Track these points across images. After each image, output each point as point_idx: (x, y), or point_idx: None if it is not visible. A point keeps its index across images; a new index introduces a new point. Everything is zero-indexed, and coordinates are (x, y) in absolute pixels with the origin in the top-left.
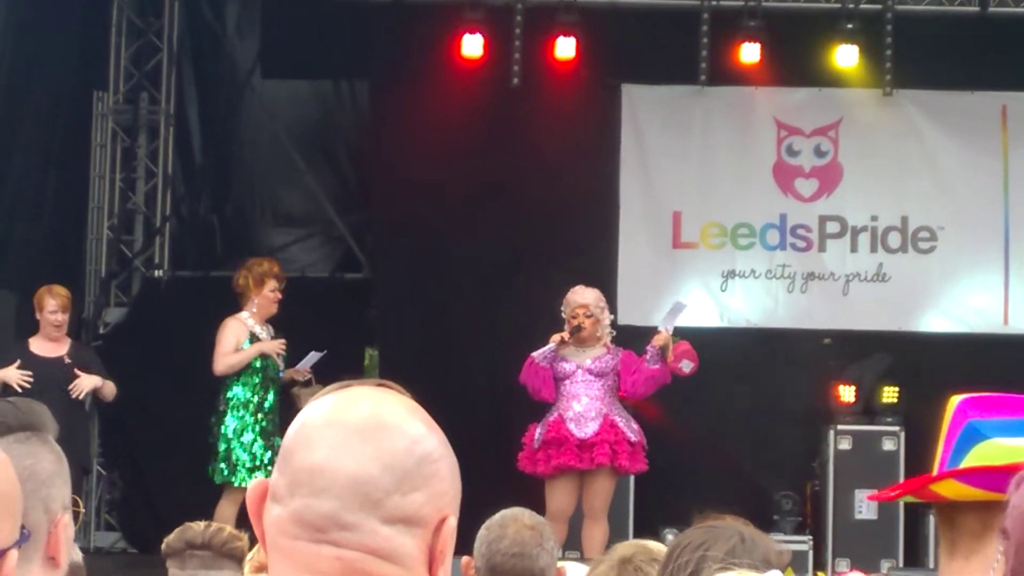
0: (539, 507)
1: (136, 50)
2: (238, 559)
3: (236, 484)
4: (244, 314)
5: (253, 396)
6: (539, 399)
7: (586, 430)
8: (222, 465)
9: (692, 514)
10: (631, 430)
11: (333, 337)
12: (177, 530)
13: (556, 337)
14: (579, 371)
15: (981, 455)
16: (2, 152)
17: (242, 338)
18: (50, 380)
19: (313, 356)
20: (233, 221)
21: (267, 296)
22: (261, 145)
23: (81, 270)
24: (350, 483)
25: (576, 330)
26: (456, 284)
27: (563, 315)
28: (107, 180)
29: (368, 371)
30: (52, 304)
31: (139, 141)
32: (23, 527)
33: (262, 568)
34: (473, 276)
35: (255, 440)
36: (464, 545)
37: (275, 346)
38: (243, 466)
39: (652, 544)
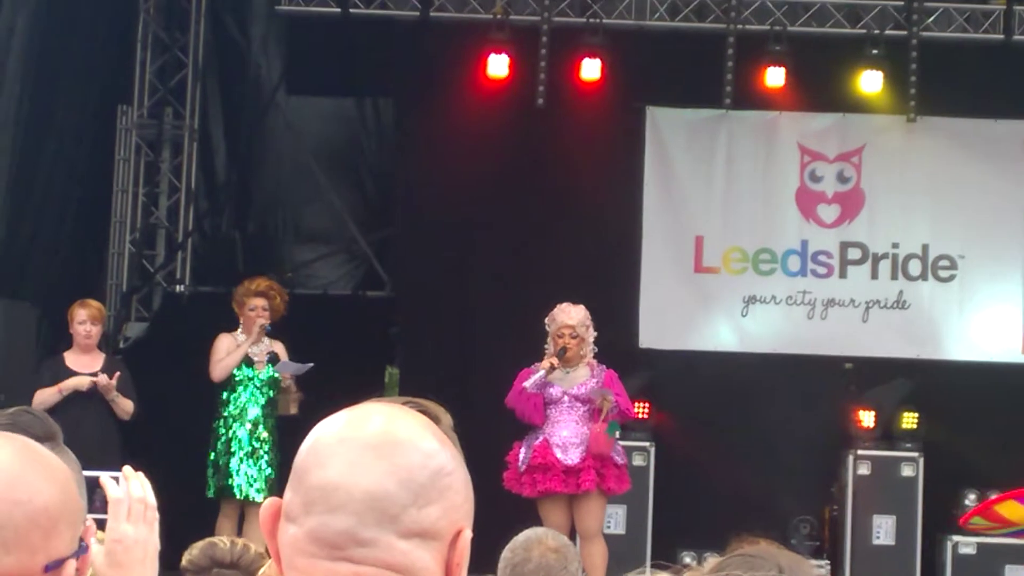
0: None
1: (161, 65)
2: None
3: (234, 497)
4: (238, 330)
5: (243, 410)
6: (527, 423)
7: (572, 457)
8: (215, 479)
9: (719, 537)
10: (616, 452)
11: (354, 355)
12: (201, 545)
13: (546, 364)
14: (565, 397)
15: None
16: (27, 164)
17: (231, 349)
18: (86, 395)
19: (290, 364)
20: (255, 237)
21: (247, 315)
22: (285, 162)
23: (103, 284)
24: (366, 499)
25: (562, 352)
26: (477, 304)
27: (548, 329)
28: (130, 194)
29: (388, 389)
30: (82, 315)
31: (163, 156)
32: (81, 539)
33: None
34: (495, 296)
35: (247, 454)
36: (483, 564)
37: (258, 331)
38: (238, 479)
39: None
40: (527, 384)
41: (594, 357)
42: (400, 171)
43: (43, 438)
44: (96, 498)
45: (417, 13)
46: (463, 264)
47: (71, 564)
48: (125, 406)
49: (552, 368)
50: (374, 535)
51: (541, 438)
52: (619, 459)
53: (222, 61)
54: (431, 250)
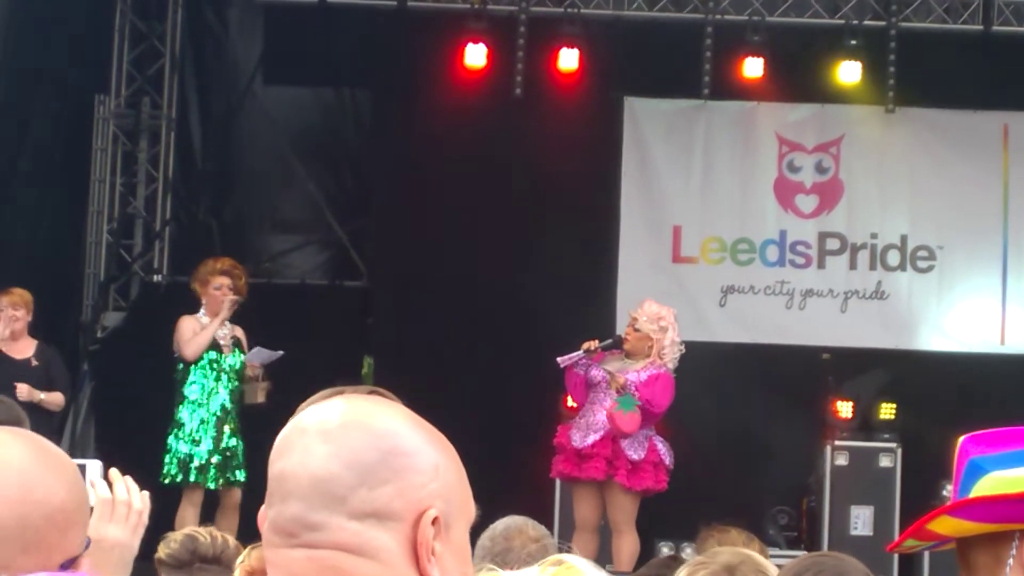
0: (533, 513)
1: (138, 54)
2: None
3: (192, 482)
4: (199, 312)
5: (209, 397)
6: (576, 403)
7: (585, 441)
8: (176, 466)
9: (696, 528)
10: (636, 449)
11: (331, 345)
12: (180, 539)
13: (584, 344)
14: (603, 383)
15: (981, 489)
16: (4, 154)
17: (196, 330)
18: (14, 380)
19: (261, 352)
20: (232, 226)
21: (212, 294)
22: (262, 151)
23: (80, 274)
24: (312, 483)
25: (618, 339)
26: (454, 294)
27: None
28: (107, 184)
29: (366, 379)
30: (3, 302)
31: (140, 145)
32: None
33: (253, 573)
34: (471, 286)
35: (202, 439)
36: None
37: (228, 307)
38: (201, 467)
39: (757, 556)
40: (559, 358)
41: (674, 363)
42: (377, 160)
43: (10, 424)
44: None
45: (395, 2)
46: (439, 254)
47: (84, 561)
48: (54, 399)
49: (589, 351)
50: (323, 518)
51: (573, 420)
52: (635, 455)
53: (199, 50)
54: (408, 240)
